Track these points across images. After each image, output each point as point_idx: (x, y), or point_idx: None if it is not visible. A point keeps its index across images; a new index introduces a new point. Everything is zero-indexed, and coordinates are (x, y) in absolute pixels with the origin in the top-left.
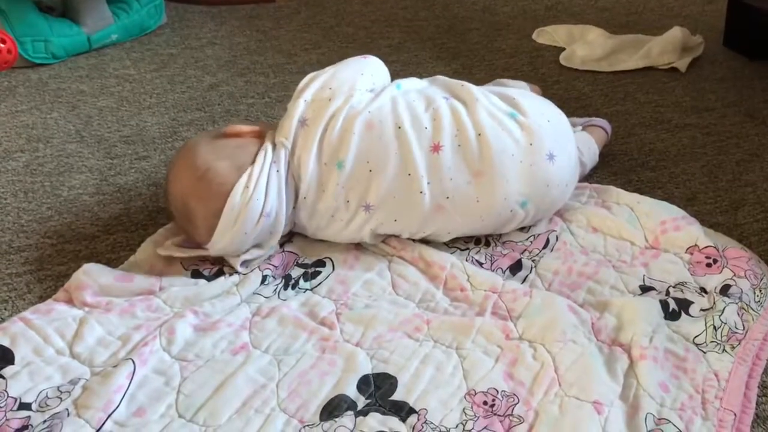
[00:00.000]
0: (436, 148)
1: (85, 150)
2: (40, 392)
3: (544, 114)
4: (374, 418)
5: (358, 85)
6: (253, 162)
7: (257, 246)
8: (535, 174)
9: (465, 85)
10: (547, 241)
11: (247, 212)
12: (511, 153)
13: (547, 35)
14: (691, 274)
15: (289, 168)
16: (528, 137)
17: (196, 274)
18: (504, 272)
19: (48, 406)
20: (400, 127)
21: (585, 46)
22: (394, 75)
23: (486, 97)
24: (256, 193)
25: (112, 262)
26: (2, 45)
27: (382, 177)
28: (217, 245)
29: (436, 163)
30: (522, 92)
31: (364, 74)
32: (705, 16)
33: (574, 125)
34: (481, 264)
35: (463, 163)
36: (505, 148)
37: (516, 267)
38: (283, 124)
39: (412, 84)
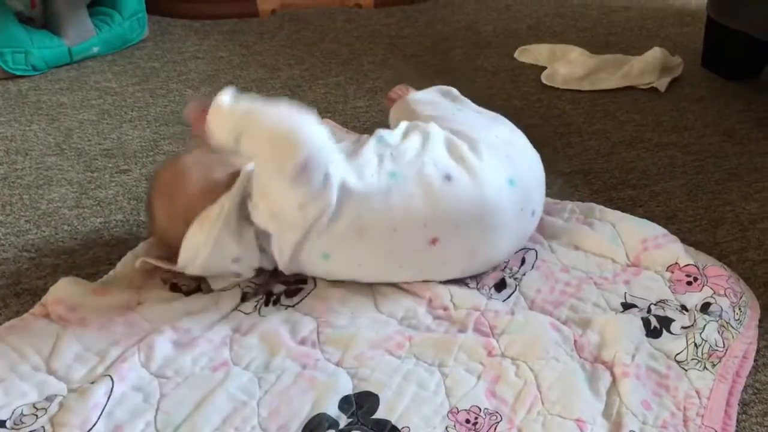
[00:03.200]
0: (433, 241)
1: (65, 163)
2: (15, 409)
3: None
4: None
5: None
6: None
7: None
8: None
9: (461, 145)
10: (523, 260)
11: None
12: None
13: (529, 54)
14: (672, 292)
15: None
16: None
17: (175, 289)
18: (490, 289)
19: (23, 423)
20: (395, 230)
21: (567, 65)
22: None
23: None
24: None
25: (91, 277)
26: None
27: (372, 271)
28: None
29: (431, 258)
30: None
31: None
32: (683, 37)
33: None
34: (467, 284)
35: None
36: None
37: (501, 285)
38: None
39: (407, 152)
